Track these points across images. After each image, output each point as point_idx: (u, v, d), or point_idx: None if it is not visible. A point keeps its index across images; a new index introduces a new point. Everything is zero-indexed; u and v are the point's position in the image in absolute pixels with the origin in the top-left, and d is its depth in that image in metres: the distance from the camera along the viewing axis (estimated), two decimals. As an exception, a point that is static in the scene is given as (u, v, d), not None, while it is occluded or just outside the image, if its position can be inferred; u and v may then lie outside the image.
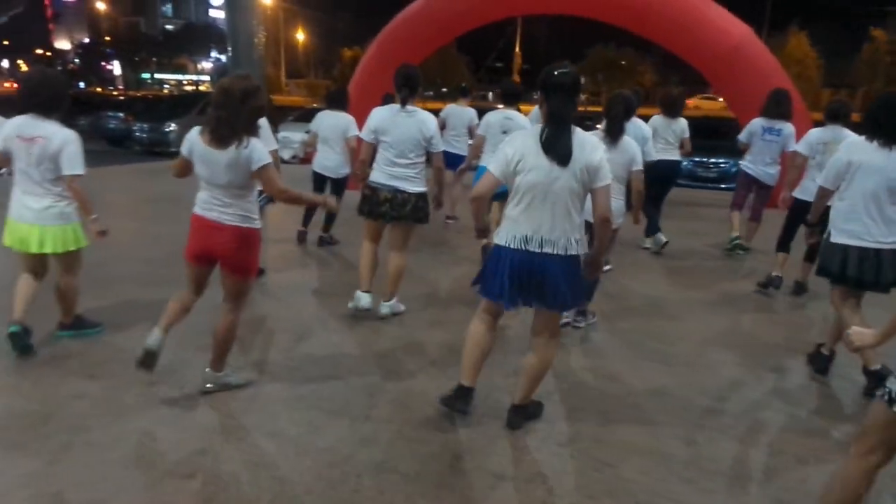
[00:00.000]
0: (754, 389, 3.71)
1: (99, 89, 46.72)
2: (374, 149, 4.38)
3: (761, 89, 7.12)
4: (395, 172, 4.28)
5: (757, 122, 6.41)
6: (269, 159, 3.06)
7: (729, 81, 9.50)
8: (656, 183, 6.03)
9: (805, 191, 5.12)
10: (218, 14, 64.95)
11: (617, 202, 4.04)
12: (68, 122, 3.77)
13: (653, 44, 10.38)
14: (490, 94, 48.71)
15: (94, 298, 4.51)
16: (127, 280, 5.19)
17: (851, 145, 3.71)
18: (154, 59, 61.41)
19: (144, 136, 16.25)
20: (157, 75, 63.64)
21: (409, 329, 4.45)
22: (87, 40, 62.21)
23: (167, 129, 16.61)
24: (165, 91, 50.32)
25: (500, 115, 5.79)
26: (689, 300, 5.27)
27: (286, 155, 13.79)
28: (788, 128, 6.27)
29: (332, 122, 6.25)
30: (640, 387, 3.68)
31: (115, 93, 39.05)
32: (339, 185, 6.35)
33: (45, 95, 3.62)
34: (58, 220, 3.71)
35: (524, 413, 3.19)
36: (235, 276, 3.21)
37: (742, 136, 6.54)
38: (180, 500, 2.57)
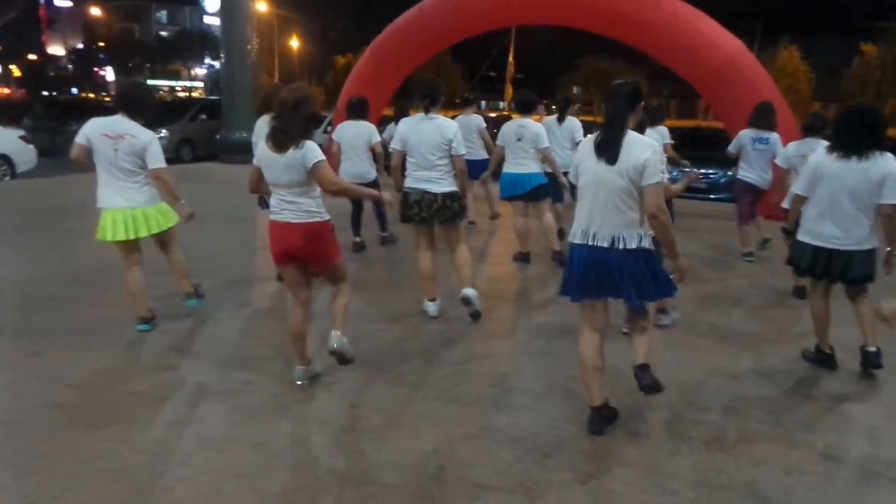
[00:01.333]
0: (740, 399, 3.70)
1: (92, 95, 46.60)
2: (404, 156, 4.75)
3: (753, 102, 7.19)
4: (421, 175, 4.60)
5: (746, 134, 6.61)
6: (321, 158, 3.33)
7: (720, 94, 9.57)
8: None
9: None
10: (213, 21, 64.92)
11: None
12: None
13: (645, 55, 10.46)
14: (483, 102, 48.91)
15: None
16: (74, 299, 5.15)
17: (818, 155, 3.98)
18: (148, 65, 61.32)
19: (136, 141, 16.22)
20: (150, 81, 63.52)
21: (396, 333, 4.44)
22: (80, 46, 62.00)
23: (159, 135, 16.54)
24: (158, 97, 50.25)
25: (515, 124, 6.12)
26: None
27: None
28: (774, 136, 6.53)
29: (355, 132, 6.56)
30: (627, 397, 3.67)
31: (107, 98, 38.99)
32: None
33: (135, 100, 4.23)
34: (147, 204, 4.22)
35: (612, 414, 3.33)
36: (321, 266, 3.58)
37: (732, 148, 6.76)
38: (159, 511, 2.54)
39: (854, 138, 3.78)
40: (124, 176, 4.12)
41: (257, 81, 15.37)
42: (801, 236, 4.06)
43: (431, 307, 4.84)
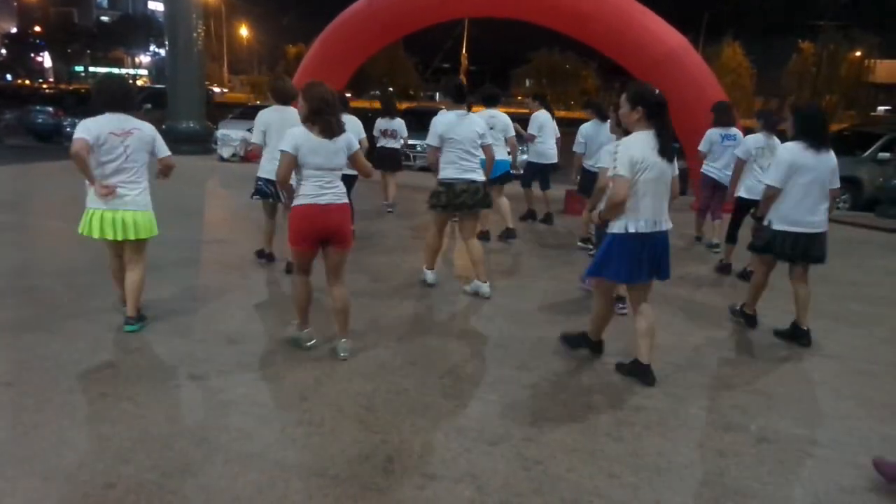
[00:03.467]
0: (680, 384, 3.84)
1: (28, 82, 44.59)
2: (439, 152, 5.17)
3: (695, 97, 7.42)
4: (466, 166, 5.11)
5: (714, 132, 7.00)
6: (358, 145, 3.96)
7: (664, 87, 9.78)
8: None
9: (750, 190, 5.84)
10: (157, 6, 62.79)
11: None
12: None
13: (594, 50, 10.62)
14: (437, 94, 48.93)
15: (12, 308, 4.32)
16: (47, 289, 4.97)
17: (789, 150, 4.36)
18: (88, 51, 58.99)
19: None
20: (91, 69, 61.14)
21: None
22: (14, 30, 59.20)
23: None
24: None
25: (485, 115, 6.66)
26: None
27: (226, 153, 13.48)
28: (739, 132, 6.99)
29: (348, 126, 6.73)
30: (573, 385, 3.77)
31: (44, 86, 37.39)
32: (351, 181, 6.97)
33: (126, 96, 4.17)
34: (147, 207, 4.18)
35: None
36: (343, 248, 3.87)
37: (702, 147, 7.06)
38: (99, 511, 2.49)
39: (822, 134, 4.38)
40: (133, 174, 4.09)
41: (205, 70, 15.01)
42: (780, 225, 4.39)
43: (431, 275, 5.46)
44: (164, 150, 4.26)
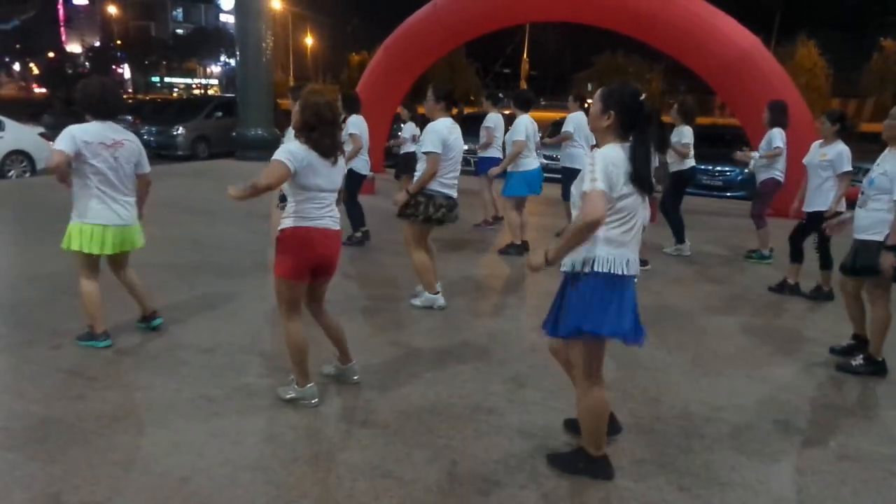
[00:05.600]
0: (753, 397, 3.69)
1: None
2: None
3: (768, 98, 7.13)
4: (452, 181, 4.80)
5: (783, 133, 6.52)
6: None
7: (734, 90, 9.50)
8: None
9: (827, 202, 5.25)
10: (228, 19, 65.32)
11: None
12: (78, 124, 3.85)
13: (661, 52, 10.40)
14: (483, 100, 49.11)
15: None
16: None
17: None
18: (164, 62, 61.84)
19: (152, 139, 16.40)
20: (166, 79, 64.10)
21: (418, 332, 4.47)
22: (97, 44, 62.65)
23: (175, 133, 16.71)
24: (174, 94, 50.63)
25: (527, 119, 6.57)
26: (696, 308, 5.25)
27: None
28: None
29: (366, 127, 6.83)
30: (639, 394, 3.68)
31: (124, 96, 39.38)
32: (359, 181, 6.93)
33: (114, 103, 3.95)
34: (137, 220, 4.09)
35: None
36: (331, 275, 3.46)
37: (778, 142, 6.51)
38: (175, 502, 2.58)
39: None
40: (123, 187, 3.93)
41: (272, 79, 15.47)
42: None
43: (441, 299, 5.01)
44: (147, 166, 4.08)
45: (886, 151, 4.05)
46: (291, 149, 3.17)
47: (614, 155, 2.60)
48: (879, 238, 3.87)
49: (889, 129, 3.99)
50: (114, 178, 3.87)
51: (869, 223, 4.00)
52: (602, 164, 2.55)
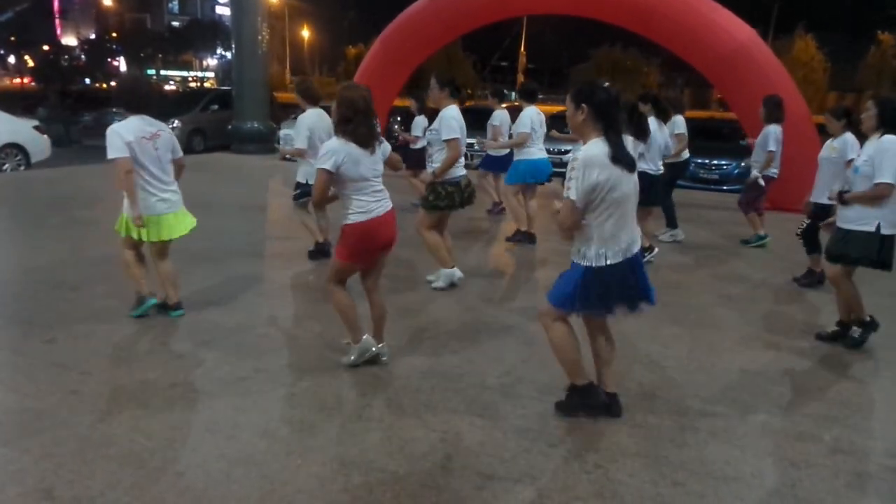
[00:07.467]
0: (748, 390, 3.70)
1: (104, 85, 46.80)
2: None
3: (765, 91, 7.12)
4: (461, 163, 5.10)
5: (780, 130, 6.58)
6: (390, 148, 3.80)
7: (731, 82, 9.48)
8: None
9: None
10: (224, 11, 64.89)
11: None
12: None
13: (658, 45, 10.37)
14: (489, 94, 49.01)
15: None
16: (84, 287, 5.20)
17: None
18: (160, 55, 61.48)
19: (148, 132, 16.29)
20: (162, 72, 63.74)
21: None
22: (93, 36, 62.22)
23: (171, 126, 16.63)
24: (170, 87, 50.37)
25: (533, 111, 6.67)
26: (691, 301, 5.26)
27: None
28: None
29: None
30: (634, 388, 3.68)
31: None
32: None
33: (147, 95, 4.19)
34: (182, 205, 4.29)
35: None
36: (391, 249, 3.74)
37: (773, 146, 6.60)
38: (169, 497, 2.58)
39: None
40: (166, 175, 4.15)
41: (269, 72, 15.41)
42: (890, 230, 4.04)
43: (458, 271, 5.27)
44: (180, 151, 4.34)
45: (867, 142, 4.22)
46: (329, 146, 3.41)
47: (595, 152, 2.85)
48: (868, 229, 4.03)
49: (867, 119, 4.18)
50: (157, 169, 4.08)
51: (855, 215, 4.11)
52: (581, 170, 2.83)
